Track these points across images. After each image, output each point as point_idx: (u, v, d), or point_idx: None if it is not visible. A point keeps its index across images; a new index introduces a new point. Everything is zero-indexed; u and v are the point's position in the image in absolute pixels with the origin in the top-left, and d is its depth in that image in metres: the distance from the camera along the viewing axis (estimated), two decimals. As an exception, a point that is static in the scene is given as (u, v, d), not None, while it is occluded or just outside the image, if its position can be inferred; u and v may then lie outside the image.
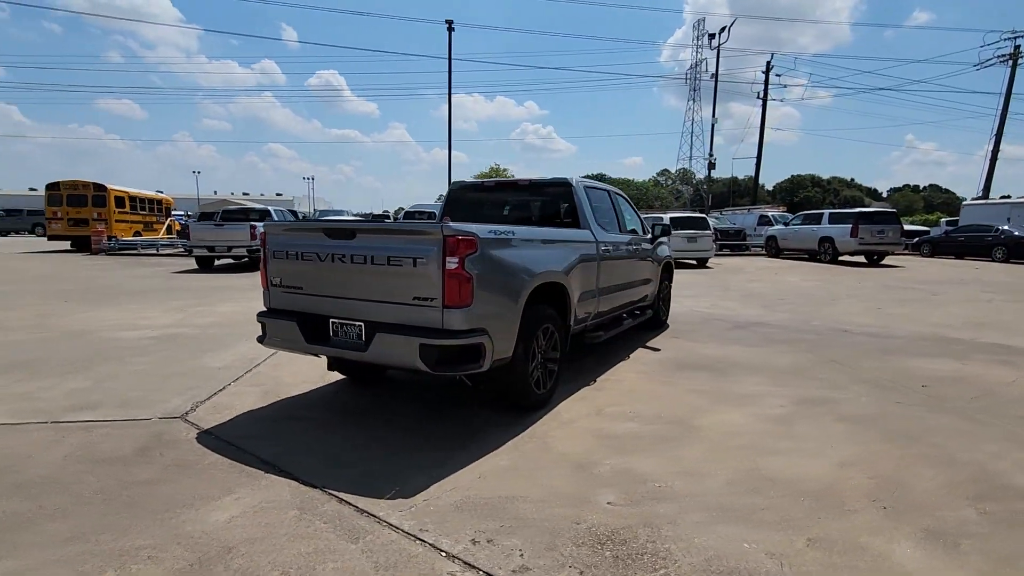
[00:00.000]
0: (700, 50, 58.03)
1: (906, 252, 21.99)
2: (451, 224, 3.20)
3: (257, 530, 2.40)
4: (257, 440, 3.42)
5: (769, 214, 23.51)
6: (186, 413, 3.87)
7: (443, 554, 2.24)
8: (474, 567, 2.16)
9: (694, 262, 16.91)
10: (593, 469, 3.05)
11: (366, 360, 3.42)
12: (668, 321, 7.52)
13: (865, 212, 17.01)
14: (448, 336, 3.18)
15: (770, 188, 76.41)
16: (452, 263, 3.14)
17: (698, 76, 61.22)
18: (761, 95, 29.79)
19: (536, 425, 3.70)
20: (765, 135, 31.01)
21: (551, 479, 2.92)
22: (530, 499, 2.70)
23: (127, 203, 23.40)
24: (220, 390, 4.39)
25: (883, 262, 17.92)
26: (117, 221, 22.41)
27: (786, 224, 20.25)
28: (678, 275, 14.17)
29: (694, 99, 64.62)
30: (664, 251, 7.10)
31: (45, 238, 23.22)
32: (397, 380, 4.72)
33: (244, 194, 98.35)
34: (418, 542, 2.32)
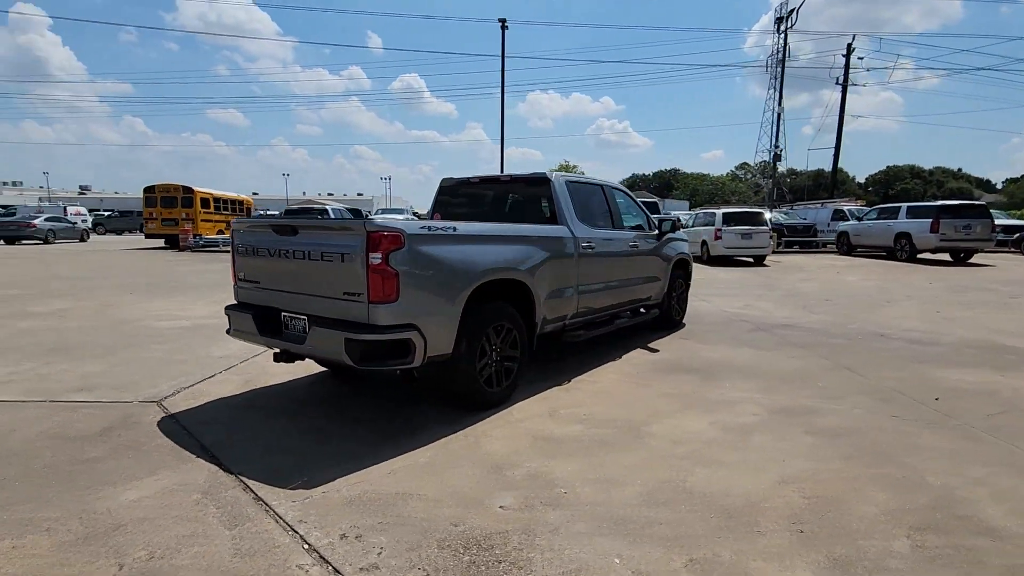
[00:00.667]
0: (781, 35, 54.35)
1: (1009, 250, 19.61)
2: (375, 220, 3.22)
3: (154, 511, 2.55)
4: (210, 426, 3.62)
5: (845, 208, 21.74)
6: (165, 398, 4.15)
7: (305, 547, 2.27)
8: (327, 561, 2.17)
9: (750, 259, 16.00)
10: (508, 471, 2.97)
11: (304, 353, 3.53)
12: (687, 321, 7.17)
13: (948, 205, 15.31)
14: (373, 331, 3.21)
15: (861, 180, 70.72)
16: (376, 259, 3.16)
17: (779, 63, 57.41)
18: (841, 80, 27.50)
19: (480, 423, 3.65)
20: (854, 124, 28.62)
21: (459, 479, 2.88)
22: (425, 498, 2.68)
23: (211, 204, 25.40)
24: (208, 378, 4.68)
25: (971, 261, 16.08)
26: (203, 220, 24.38)
27: (859, 219, 18.65)
28: (724, 273, 13.53)
29: (774, 87, 60.77)
30: (677, 248, 6.76)
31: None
32: (377, 375, 4.82)
33: (328, 194, 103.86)
34: (289, 533, 2.37)
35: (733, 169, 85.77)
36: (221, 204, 26.26)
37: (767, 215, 21.07)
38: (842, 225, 19.16)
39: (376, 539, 2.32)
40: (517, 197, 5.20)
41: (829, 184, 33.66)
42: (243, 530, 2.39)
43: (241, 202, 28.29)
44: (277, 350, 3.80)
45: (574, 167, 76.22)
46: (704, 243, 15.85)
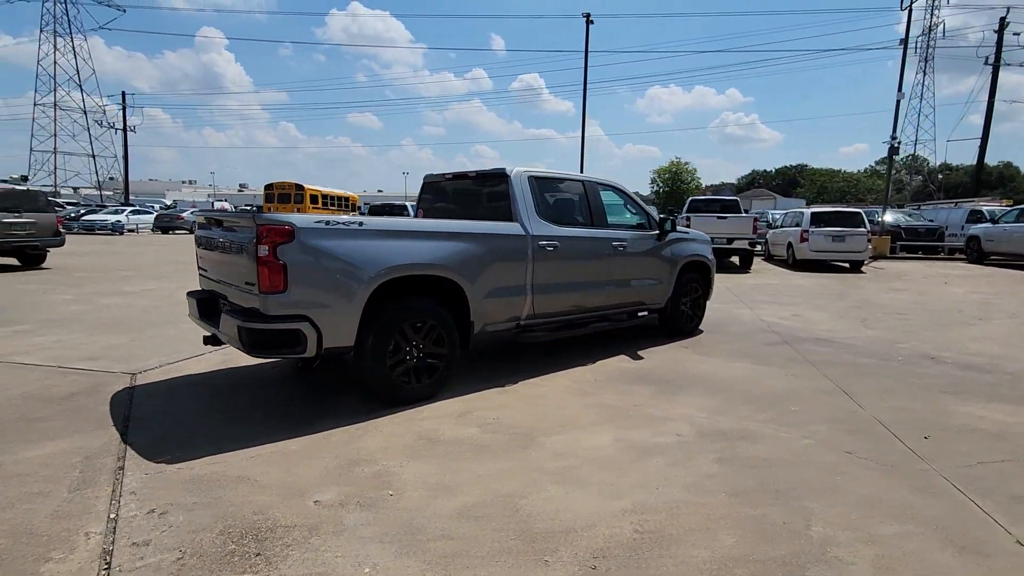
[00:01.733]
0: (934, 12, 47.38)
1: None
2: (265, 214, 3.35)
3: (32, 468, 2.87)
4: (153, 398, 3.98)
5: (984, 209, 18.50)
6: (142, 371, 4.64)
7: (112, 516, 2.44)
8: (113, 532, 2.32)
9: (845, 264, 14.26)
10: (359, 468, 2.95)
11: (219, 337, 3.76)
12: (707, 328, 6.59)
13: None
14: (263, 320, 3.34)
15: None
16: (263, 251, 3.28)
17: (931, 44, 50.25)
18: (992, 60, 23.33)
19: (381, 418, 3.65)
20: (1004, 109, 24.30)
21: (306, 470, 2.91)
22: (257, 484, 2.75)
23: (319, 200, 27.74)
24: (195, 356, 5.14)
25: None
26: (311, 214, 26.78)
27: (994, 221, 15.82)
28: (803, 279, 12.17)
29: (924, 71, 53.25)
30: (687, 249, 6.23)
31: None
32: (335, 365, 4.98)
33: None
34: (112, 502, 2.55)
35: (873, 164, 76.83)
36: (328, 200, 28.58)
37: (887, 215, 18.68)
38: (973, 228, 16.36)
39: (176, 518, 2.43)
40: (482, 193, 5.10)
41: (973, 180, 28.82)
42: (80, 495, 2.62)
43: (346, 198, 30.55)
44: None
45: (685, 164, 72.76)
46: (789, 245, 14.42)
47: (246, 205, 39.63)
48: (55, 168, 65.48)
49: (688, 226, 13.51)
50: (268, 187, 26.98)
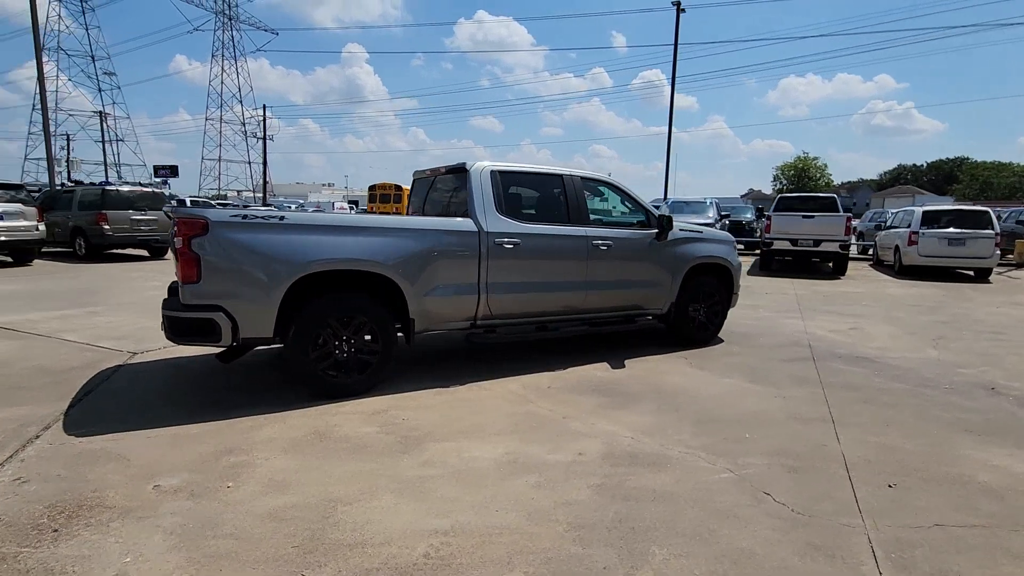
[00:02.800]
0: None
1: None
2: (183, 208, 3.51)
3: (-29, 430, 3.27)
4: (130, 377, 4.36)
5: None
6: (143, 352, 5.11)
7: (-17, 479, 2.69)
8: (-30, 493, 2.55)
9: (969, 272, 12.08)
10: (224, 457, 2.98)
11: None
12: (733, 338, 5.91)
13: None
14: (180, 309, 3.52)
15: None
16: (179, 243, 3.45)
17: None
18: None
19: (293, 411, 3.65)
20: None
21: (177, 454, 3.01)
22: (124, 463, 2.88)
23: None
24: (198, 341, 5.58)
25: None
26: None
27: None
28: (900, 287, 10.61)
29: None
30: (697, 251, 5.61)
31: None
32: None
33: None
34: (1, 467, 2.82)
35: (1056, 155, 64.78)
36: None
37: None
38: None
39: (30, 488, 2.62)
40: (449, 188, 4.96)
41: None
42: (-19, 457, 2.93)
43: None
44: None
45: (814, 159, 66.29)
46: (896, 249, 12.53)
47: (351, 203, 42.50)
48: (219, 174, 75.93)
49: (769, 227, 12.32)
50: (371, 188, 28.82)
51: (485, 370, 4.68)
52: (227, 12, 72.72)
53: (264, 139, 43.42)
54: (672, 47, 26.38)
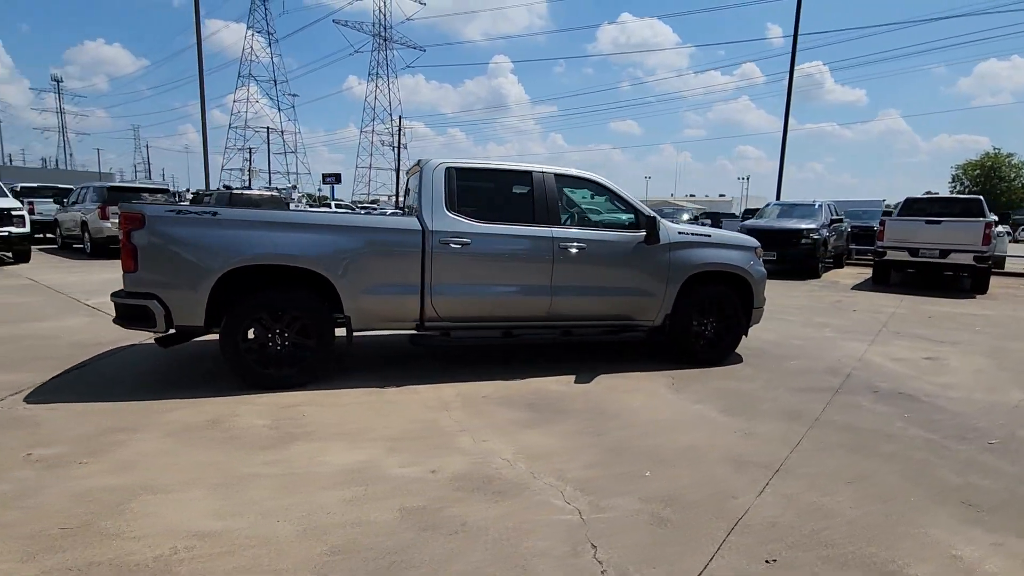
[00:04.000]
0: None
1: None
2: (127, 203, 3.81)
3: (-38, 391, 3.84)
4: (131, 356, 4.86)
5: None
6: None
7: (-79, 432, 3.14)
8: (-102, 443, 2.99)
9: None
10: (110, 435, 3.16)
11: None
12: (759, 357, 5.11)
13: None
14: (121, 296, 3.84)
15: None
16: (122, 235, 3.77)
17: None
18: None
19: (216, 398, 3.77)
20: None
21: (82, 427, 3.25)
22: (33, 430, 3.18)
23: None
24: (218, 328, 6.10)
25: None
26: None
27: None
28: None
29: None
30: (703, 256, 4.89)
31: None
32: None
33: (689, 196, 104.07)
34: (-59, 422, 3.28)
35: None
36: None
37: None
38: None
39: (-57, 443, 3.01)
40: (415, 186, 4.83)
41: None
42: (-59, 414, 3.43)
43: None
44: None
45: (1008, 156, 55.33)
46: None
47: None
48: (369, 180, 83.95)
49: (881, 234, 10.55)
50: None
51: (438, 374, 4.50)
52: (383, 34, 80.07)
53: (398, 148, 46.86)
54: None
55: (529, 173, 4.63)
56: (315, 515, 2.39)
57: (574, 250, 4.53)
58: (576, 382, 4.42)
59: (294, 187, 38.13)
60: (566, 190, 4.93)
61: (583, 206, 5.14)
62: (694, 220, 16.36)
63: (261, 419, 3.49)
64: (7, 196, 11.22)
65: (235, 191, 15.65)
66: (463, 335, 4.50)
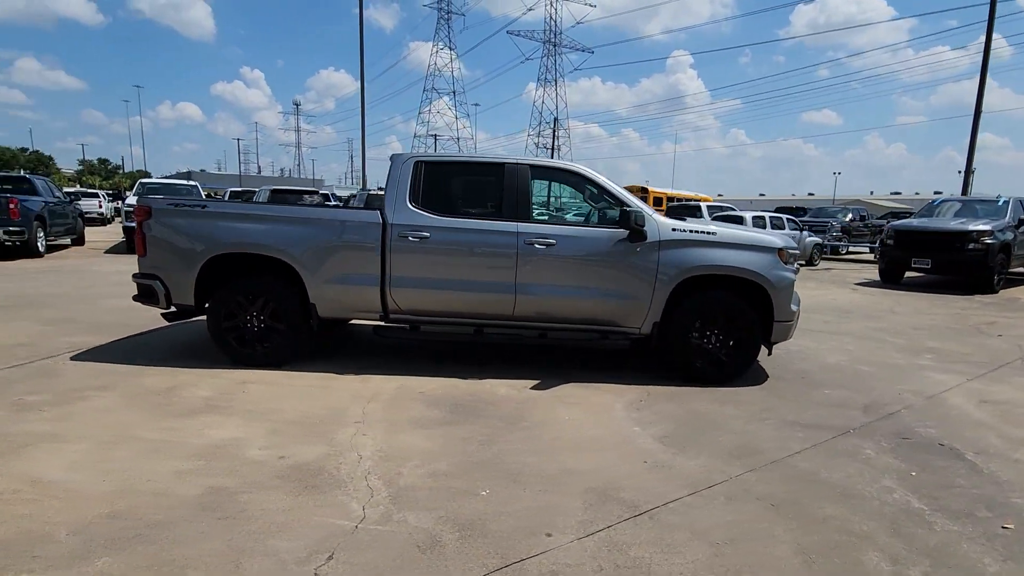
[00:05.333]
0: None
1: None
2: (144, 197, 4.46)
3: (21, 329, 4.86)
4: (188, 328, 5.72)
5: None
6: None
7: (-21, 374, 4.06)
8: (-44, 381, 3.90)
9: None
10: (81, 392, 3.76)
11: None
12: (787, 381, 4.30)
13: None
14: (136, 276, 4.52)
15: None
16: (136, 224, 4.44)
17: None
18: None
19: (196, 369, 4.25)
20: None
21: (76, 383, 3.91)
22: (55, 380, 3.93)
23: (663, 203, 28.01)
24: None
25: None
26: (653, 216, 27.46)
27: None
28: None
29: None
30: (701, 257, 4.19)
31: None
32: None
33: (893, 194, 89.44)
34: (-2, 368, 4.20)
35: None
36: (672, 202, 28.46)
37: None
38: None
39: (-19, 383, 3.86)
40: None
41: None
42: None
43: (694, 200, 29.63)
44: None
45: None
46: None
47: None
48: None
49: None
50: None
51: (403, 367, 4.53)
52: (552, 40, 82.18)
53: (552, 150, 47.74)
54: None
55: (502, 165, 4.42)
56: (136, 480, 2.59)
57: (541, 247, 4.22)
58: (532, 388, 4.12)
59: (381, 189, 41.09)
60: (555, 184, 4.62)
61: (569, 201, 4.75)
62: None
63: (207, 391, 3.85)
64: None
65: (371, 192, 17.37)
66: (433, 330, 4.47)
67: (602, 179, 4.41)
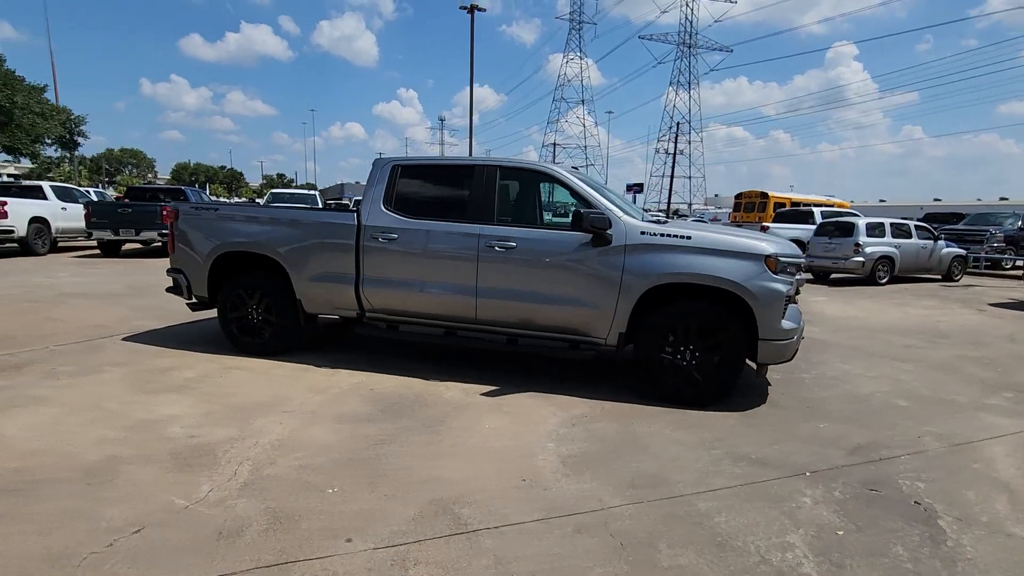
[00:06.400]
0: None
1: None
2: (174, 202, 5.09)
3: (94, 307, 5.76)
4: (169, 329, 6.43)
5: None
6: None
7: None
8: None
9: None
10: (101, 367, 4.39)
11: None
12: (790, 409, 3.78)
13: None
14: (169, 271, 5.18)
15: None
16: (169, 225, 5.10)
17: None
18: None
19: (195, 353, 4.79)
20: None
21: (104, 359, 4.59)
22: (99, 355, 4.67)
23: (786, 207, 25.44)
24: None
25: None
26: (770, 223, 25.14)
27: None
28: None
29: None
30: (671, 263, 3.76)
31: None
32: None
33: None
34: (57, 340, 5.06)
35: None
36: (796, 206, 25.75)
37: None
38: None
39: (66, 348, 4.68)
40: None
41: None
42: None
43: (826, 205, 26.50)
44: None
45: None
46: None
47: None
48: (661, 189, 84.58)
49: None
50: (738, 196, 26.83)
51: (378, 365, 4.64)
52: (687, 42, 78.89)
53: (674, 155, 45.64)
54: None
55: (472, 167, 4.37)
56: (61, 443, 2.98)
57: (501, 249, 4.10)
58: (483, 394, 4.01)
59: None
60: (539, 186, 4.47)
61: (555, 202, 4.54)
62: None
63: (193, 373, 4.29)
64: None
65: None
66: (409, 329, 4.55)
67: (571, 179, 4.17)
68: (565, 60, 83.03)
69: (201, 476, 2.68)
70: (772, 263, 3.72)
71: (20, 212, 11.57)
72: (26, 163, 31.41)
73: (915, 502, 2.63)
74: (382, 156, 4.72)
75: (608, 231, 3.90)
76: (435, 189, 4.59)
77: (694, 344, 3.83)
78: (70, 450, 2.91)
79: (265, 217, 4.83)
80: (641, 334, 3.90)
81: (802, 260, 4.02)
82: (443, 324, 4.41)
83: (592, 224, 3.84)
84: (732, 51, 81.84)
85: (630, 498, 2.60)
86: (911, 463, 3.06)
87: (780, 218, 16.04)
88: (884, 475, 2.90)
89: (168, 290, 5.25)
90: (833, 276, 12.40)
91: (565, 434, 3.34)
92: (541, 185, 4.43)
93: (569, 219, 4.20)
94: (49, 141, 16.06)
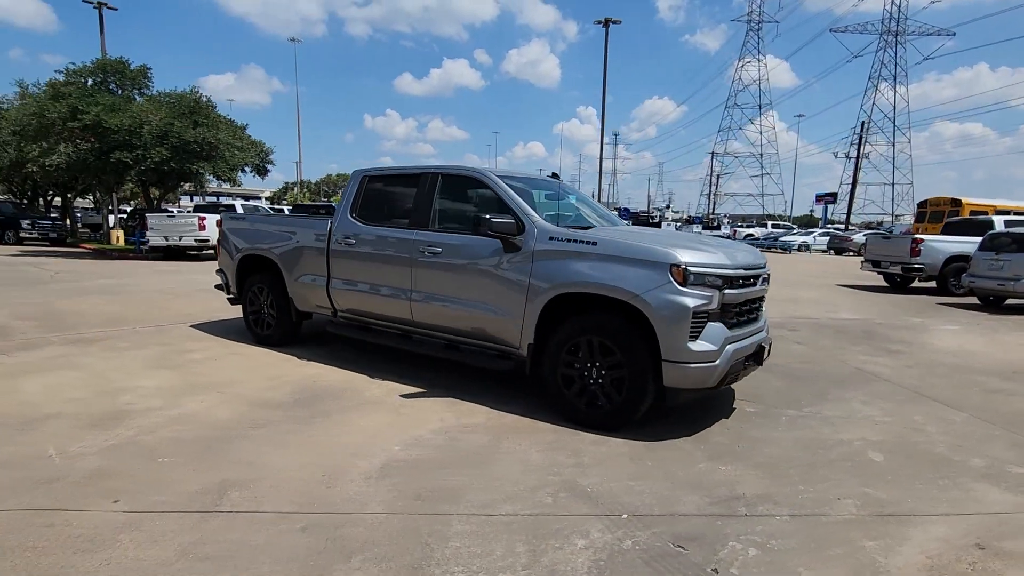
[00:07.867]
0: None
1: None
2: (224, 212, 6.04)
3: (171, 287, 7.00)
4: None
5: None
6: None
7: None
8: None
9: None
10: (128, 343, 5.40)
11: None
12: (744, 437, 3.34)
13: None
14: (217, 271, 6.15)
15: None
16: (219, 231, 6.07)
17: None
18: None
19: (228, 341, 5.61)
20: None
21: (137, 341, 5.65)
22: (150, 337, 5.79)
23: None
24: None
25: None
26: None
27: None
28: None
29: None
30: (567, 272, 3.49)
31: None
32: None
33: None
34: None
35: None
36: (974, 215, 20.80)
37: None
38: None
39: (130, 335, 5.92)
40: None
41: None
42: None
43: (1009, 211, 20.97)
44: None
45: None
46: None
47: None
48: (851, 198, 74.25)
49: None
50: (921, 205, 22.47)
51: (351, 365, 4.97)
52: (892, 29, 68.36)
53: (858, 159, 39.52)
54: None
55: (418, 176, 4.51)
56: (44, 401, 3.79)
57: (429, 254, 4.17)
58: (402, 395, 4.10)
59: (667, 207, 38.27)
60: (476, 191, 4.44)
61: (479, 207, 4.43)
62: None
63: (200, 355, 5.08)
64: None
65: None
66: (381, 330, 4.81)
67: (497, 182, 4.06)
68: (740, 64, 77.49)
69: (89, 436, 3.23)
70: (679, 273, 3.22)
71: (214, 225, 14.68)
72: (256, 184, 38.91)
73: (713, 570, 2.11)
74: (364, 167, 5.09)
75: (516, 237, 3.74)
76: (390, 197, 4.81)
77: (599, 362, 3.47)
78: (40, 405, 3.70)
79: (275, 222, 5.53)
80: (546, 347, 3.66)
81: (734, 273, 3.39)
82: (394, 327, 4.60)
83: (491, 228, 3.71)
84: (955, 34, 68.50)
85: (399, 508, 2.51)
86: (779, 526, 2.43)
87: (949, 229, 13.09)
88: (718, 533, 2.36)
89: (216, 287, 6.24)
90: (1011, 302, 9.81)
91: (422, 439, 3.30)
92: (478, 190, 4.38)
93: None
94: (248, 169, 19.53)
